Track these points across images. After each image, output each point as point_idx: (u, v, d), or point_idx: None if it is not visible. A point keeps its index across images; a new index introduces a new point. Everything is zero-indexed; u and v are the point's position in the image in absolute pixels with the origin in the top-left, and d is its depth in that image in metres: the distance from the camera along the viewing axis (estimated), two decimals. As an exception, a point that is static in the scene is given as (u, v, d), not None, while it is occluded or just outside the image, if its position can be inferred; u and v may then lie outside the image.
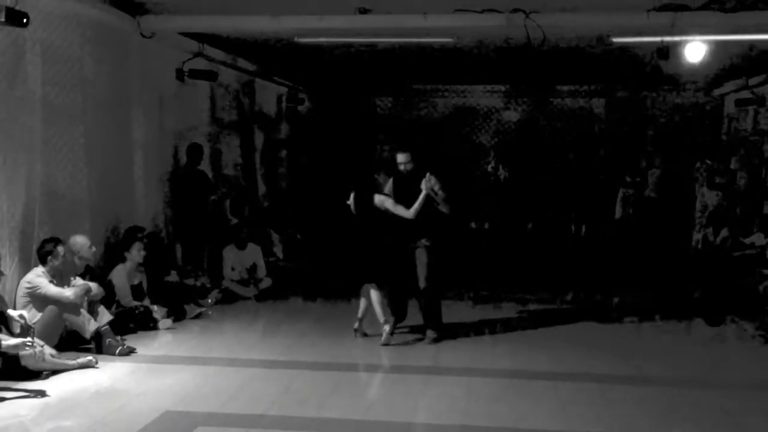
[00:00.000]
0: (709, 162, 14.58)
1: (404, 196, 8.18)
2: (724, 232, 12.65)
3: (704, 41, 9.50)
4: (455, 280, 11.07)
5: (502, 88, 16.78)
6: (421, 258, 8.26)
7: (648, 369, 7.40)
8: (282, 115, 15.92)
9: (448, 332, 8.44)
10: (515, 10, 8.79)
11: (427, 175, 8.11)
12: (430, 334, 8.29)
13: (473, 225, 16.05)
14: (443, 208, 8.27)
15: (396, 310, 8.48)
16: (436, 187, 8.17)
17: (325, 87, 16.60)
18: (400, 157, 8.35)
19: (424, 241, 8.26)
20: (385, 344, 8.02)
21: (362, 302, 8.38)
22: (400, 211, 8.14)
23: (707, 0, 8.53)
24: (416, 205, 8.09)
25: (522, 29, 8.95)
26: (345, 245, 8.68)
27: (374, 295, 8.20)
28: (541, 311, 10.03)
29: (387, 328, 8.10)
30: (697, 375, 7.26)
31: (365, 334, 8.36)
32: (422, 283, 8.27)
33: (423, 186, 8.09)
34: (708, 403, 6.35)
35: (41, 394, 6.14)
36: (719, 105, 15.94)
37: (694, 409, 6.17)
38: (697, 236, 13.75)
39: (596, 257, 13.77)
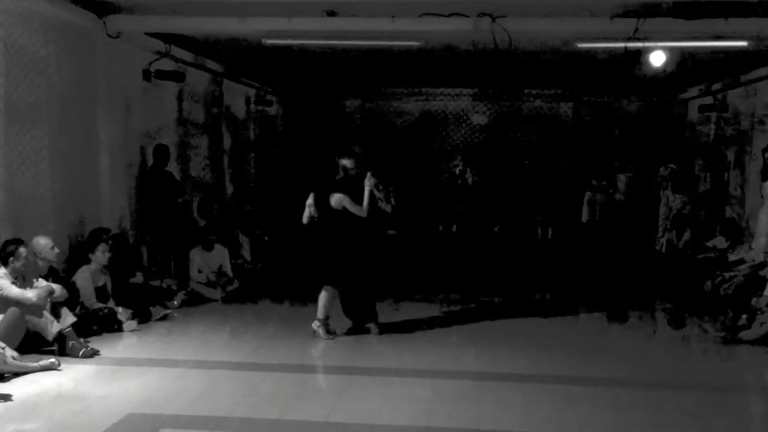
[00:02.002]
0: (673, 166, 14.79)
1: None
2: (687, 236, 12.86)
3: (667, 47, 9.65)
4: (423, 282, 11.13)
5: (470, 92, 16.91)
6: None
7: (611, 370, 7.48)
8: (250, 116, 15.88)
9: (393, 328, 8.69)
10: (482, 15, 8.89)
11: (368, 174, 8.33)
12: (374, 329, 8.53)
13: (441, 227, 16.13)
14: (385, 207, 8.48)
15: (351, 313, 8.69)
16: (370, 184, 8.39)
17: (295, 89, 16.59)
18: (348, 162, 8.49)
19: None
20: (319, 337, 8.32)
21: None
22: (357, 210, 8.28)
23: (670, 6, 8.68)
24: (365, 202, 8.29)
25: (489, 33, 9.05)
26: (306, 246, 8.73)
27: (326, 292, 8.38)
28: (508, 313, 10.09)
29: (318, 324, 8.41)
30: (660, 376, 7.34)
31: (333, 333, 8.48)
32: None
33: (366, 183, 8.29)
34: (671, 404, 6.43)
35: (3, 397, 6.05)
36: (683, 110, 16.19)
37: (658, 411, 6.25)
38: (661, 240, 13.94)
39: (562, 259, 13.89)
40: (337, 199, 8.32)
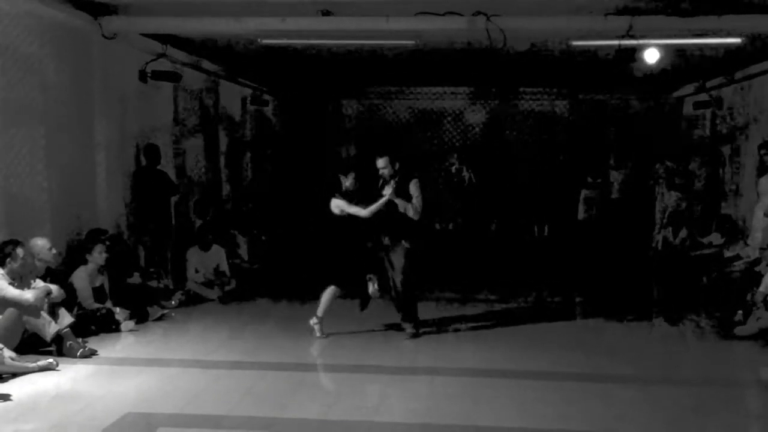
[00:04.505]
0: (668, 163, 14.84)
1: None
2: (683, 232, 12.91)
3: (661, 44, 9.68)
4: (419, 281, 11.13)
5: (467, 91, 16.94)
6: (399, 259, 8.44)
7: (610, 367, 7.50)
8: (246, 116, 15.89)
9: (424, 329, 8.67)
10: (476, 13, 8.91)
11: (391, 182, 8.32)
12: (409, 329, 8.50)
13: (437, 226, 16.15)
14: (411, 214, 8.41)
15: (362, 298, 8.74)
16: (417, 198, 8.37)
17: (291, 89, 16.60)
18: (379, 162, 8.49)
19: (403, 243, 8.45)
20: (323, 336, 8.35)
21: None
22: (355, 210, 8.31)
23: (664, 4, 8.71)
24: (373, 207, 8.29)
25: (483, 32, 9.07)
26: (314, 246, 8.76)
27: (330, 291, 8.40)
28: (505, 311, 10.12)
29: (316, 321, 8.41)
30: (658, 372, 7.36)
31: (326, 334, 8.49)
32: (399, 284, 8.46)
33: (385, 192, 8.29)
34: (668, 400, 6.45)
35: (1, 397, 6.07)
36: (678, 107, 16.23)
37: (656, 406, 6.27)
38: (657, 237, 13.98)
39: (559, 257, 13.92)
40: (335, 204, 8.38)
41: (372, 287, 8.59)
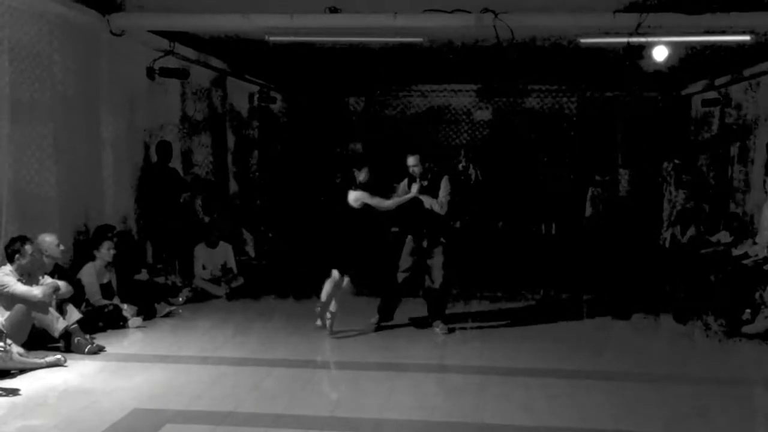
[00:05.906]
0: (676, 161, 14.78)
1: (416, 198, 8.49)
2: (691, 231, 12.86)
3: (670, 42, 9.65)
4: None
5: (474, 88, 16.91)
6: (438, 259, 8.58)
7: (616, 365, 7.50)
8: (254, 113, 15.90)
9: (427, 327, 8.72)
10: (484, 11, 8.91)
11: (417, 180, 8.44)
12: (442, 327, 8.58)
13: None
14: (437, 209, 8.50)
15: (387, 310, 8.73)
16: (444, 193, 8.51)
17: (298, 86, 16.62)
18: (410, 160, 8.56)
19: (441, 241, 8.60)
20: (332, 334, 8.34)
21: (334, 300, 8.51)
22: (377, 201, 8.35)
23: (673, 1, 8.69)
24: (398, 200, 8.44)
25: (491, 29, 9.08)
26: (321, 241, 8.76)
27: (332, 279, 8.40)
28: (511, 308, 10.11)
29: (328, 316, 8.39)
30: (665, 371, 7.34)
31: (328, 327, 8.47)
32: (438, 283, 8.57)
33: (413, 189, 8.43)
34: (676, 398, 6.44)
35: (9, 392, 6.10)
36: (686, 105, 16.17)
37: (663, 405, 6.25)
38: (665, 234, 13.94)
39: (566, 255, 13.89)
40: (353, 197, 8.36)
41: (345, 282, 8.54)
